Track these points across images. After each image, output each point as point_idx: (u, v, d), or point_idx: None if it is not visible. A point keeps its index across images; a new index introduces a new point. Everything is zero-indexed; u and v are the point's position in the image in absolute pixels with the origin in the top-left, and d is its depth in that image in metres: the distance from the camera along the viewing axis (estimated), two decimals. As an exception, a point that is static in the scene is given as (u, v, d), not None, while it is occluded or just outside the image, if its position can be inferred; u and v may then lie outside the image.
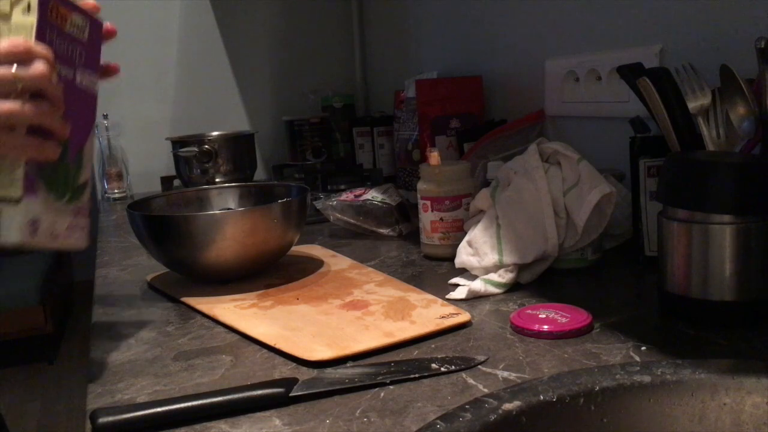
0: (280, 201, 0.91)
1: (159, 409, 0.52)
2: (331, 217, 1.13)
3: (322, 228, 1.20)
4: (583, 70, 1.10)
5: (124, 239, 1.21)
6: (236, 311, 0.76)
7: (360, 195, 1.14)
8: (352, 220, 1.12)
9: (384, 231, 1.11)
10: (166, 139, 1.69)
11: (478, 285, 0.77)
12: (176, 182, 1.73)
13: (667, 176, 0.66)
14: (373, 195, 1.13)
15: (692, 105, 0.70)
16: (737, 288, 0.63)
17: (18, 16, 0.58)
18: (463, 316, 0.69)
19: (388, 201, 1.12)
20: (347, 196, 1.15)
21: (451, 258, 0.86)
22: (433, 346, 0.64)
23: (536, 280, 0.81)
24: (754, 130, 0.68)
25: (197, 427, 0.52)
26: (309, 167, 1.62)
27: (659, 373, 0.53)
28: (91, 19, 0.65)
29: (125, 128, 1.86)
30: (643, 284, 0.80)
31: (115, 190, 1.74)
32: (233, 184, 1.10)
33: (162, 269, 0.94)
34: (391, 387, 0.56)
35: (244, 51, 1.99)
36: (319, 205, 1.15)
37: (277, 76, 2.03)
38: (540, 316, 0.67)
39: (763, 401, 0.51)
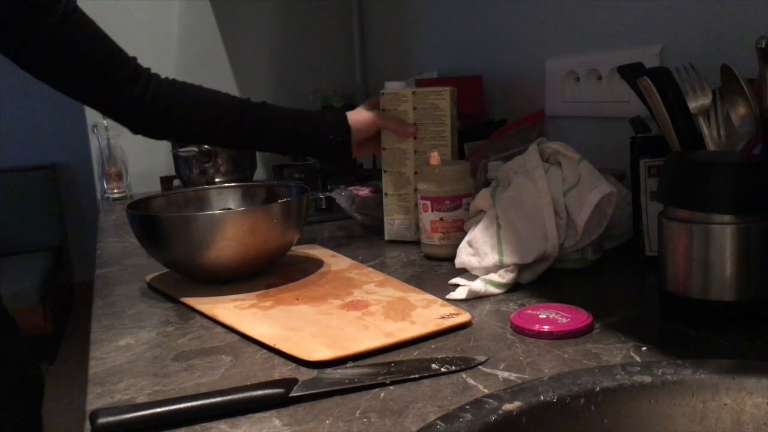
0: (280, 201, 0.91)
1: (159, 410, 0.52)
2: (359, 216, 1.15)
3: (322, 228, 1.20)
4: (583, 70, 1.10)
5: (124, 239, 1.21)
6: (236, 311, 0.76)
7: (375, 190, 1.17)
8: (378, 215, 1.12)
9: None
10: (166, 139, 1.69)
11: (478, 285, 0.77)
12: (176, 182, 1.73)
13: (667, 176, 0.66)
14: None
15: (693, 105, 0.70)
16: (738, 288, 0.63)
17: None
18: (464, 317, 0.69)
19: None
20: (363, 192, 1.16)
21: (452, 258, 0.86)
22: (433, 346, 0.64)
23: (536, 280, 0.81)
24: (755, 130, 0.68)
25: (197, 427, 0.52)
26: (309, 167, 1.62)
27: (660, 374, 0.53)
28: None
29: (125, 128, 1.85)
30: (644, 284, 0.80)
31: (115, 190, 1.74)
32: (233, 184, 1.10)
33: (162, 269, 0.94)
34: (391, 387, 0.56)
35: (244, 51, 1.99)
36: (342, 205, 1.17)
37: (277, 76, 2.03)
38: (540, 316, 0.67)
39: (764, 401, 0.51)
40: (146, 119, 0.97)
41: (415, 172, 1.03)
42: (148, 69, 0.98)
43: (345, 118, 1.04)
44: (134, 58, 0.96)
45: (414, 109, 1.02)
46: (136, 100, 0.94)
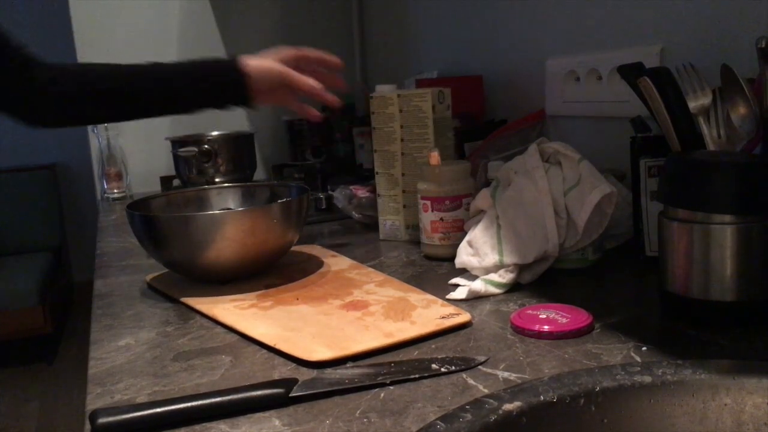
0: (279, 201, 0.91)
1: (158, 410, 0.52)
2: (355, 215, 1.16)
3: (322, 228, 1.20)
4: (583, 70, 1.10)
5: (124, 239, 1.21)
6: (236, 311, 0.76)
7: (373, 190, 1.17)
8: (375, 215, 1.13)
9: None
10: (166, 139, 1.69)
11: (478, 285, 0.77)
12: (176, 182, 1.73)
13: (667, 176, 0.66)
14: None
15: (693, 105, 0.70)
16: (738, 288, 0.63)
17: None
18: (464, 317, 0.69)
19: None
20: (362, 192, 1.17)
21: (452, 258, 0.86)
22: (433, 346, 0.64)
23: (537, 281, 0.81)
24: (755, 129, 0.68)
25: (197, 427, 0.52)
26: (309, 167, 1.62)
27: (660, 374, 0.53)
28: None
29: (125, 128, 1.85)
30: (644, 284, 0.80)
31: (115, 190, 1.74)
32: (233, 184, 1.10)
33: (161, 269, 0.94)
34: (391, 387, 0.56)
35: (244, 51, 1.98)
36: (339, 204, 1.18)
37: (276, 76, 2.02)
38: (540, 316, 0.67)
39: (764, 402, 0.51)
40: (40, 108, 0.94)
41: (403, 174, 1.04)
42: (34, 55, 0.92)
43: (236, 62, 0.99)
44: (24, 46, 0.92)
45: (400, 111, 1.03)
46: (28, 89, 0.91)
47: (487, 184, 0.92)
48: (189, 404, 0.53)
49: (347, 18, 2.09)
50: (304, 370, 0.61)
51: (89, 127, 1.82)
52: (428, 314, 0.70)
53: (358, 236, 1.12)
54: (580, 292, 0.78)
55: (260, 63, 0.98)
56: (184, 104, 1.02)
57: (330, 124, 1.85)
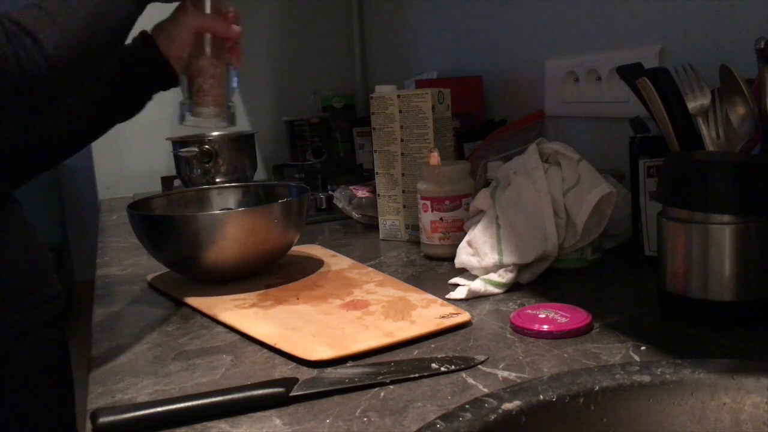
0: (280, 201, 0.91)
1: (159, 409, 0.52)
2: (355, 215, 1.17)
3: (322, 228, 1.21)
4: (582, 71, 1.10)
5: (125, 239, 1.21)
6: (236, 311, 0.76)
7: (373, 190, 1.17)
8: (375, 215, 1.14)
9: None
10: (167, 139, 1.69)
11: (478, 285, 0.77)
12: (177, 182, 1.73)
13: (666, 176, 0.66)
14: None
15: (692, 105, 0.70)
16: (737, 288, 0.63)
17: None
18: (463, 316, 0.69)
19: None
20: (362, 193, 1.17)
21: (451, 258, 0.86)
22: (433, 345, 0.65)
23: (536, 280, 0.81)
24: (754, 130, 0.68)
25: (197, 426, 0.52)
26: (309, 167, 1.62)
27: (659, 373, 0.53)
28: None
29: (126, 128, 1.85)
30: (643, 284, 0.80)
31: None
32: (233, 184, 1.11)
33: (162, 269, 0.94)
34: (391, 387, 0.56)
35: (244, 51, 1.99)
36: (339, 205, 1.19)
37: (277, 76, 2.03)
38: (540, 315, 0.67)
39: (763, 401, 0.51)
40: None
41: (403, 174, 1.05)
42: None
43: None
44: None
45: (400, 112, 1.03)
46: None
47: (487, 184, 0.92)
48: (190, 403, 0.53)
49: (347, 18, 2.09)
50: (304, 369, 0.61)
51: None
52: (428, 314, 0.71)
53: (358, 236, 1.12)
54: (580, 291, 0.78)
55: (168, 27, 0.87)
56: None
57: (330, 125, 1.85)
